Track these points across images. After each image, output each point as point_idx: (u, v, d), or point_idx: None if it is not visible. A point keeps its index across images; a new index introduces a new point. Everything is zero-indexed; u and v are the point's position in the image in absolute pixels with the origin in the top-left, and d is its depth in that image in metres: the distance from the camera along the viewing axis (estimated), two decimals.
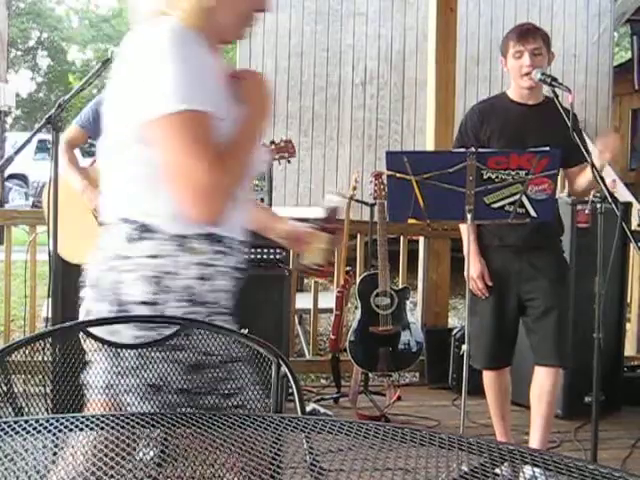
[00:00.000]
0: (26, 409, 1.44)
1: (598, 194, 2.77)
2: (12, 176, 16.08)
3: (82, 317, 1.65)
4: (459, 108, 4.99)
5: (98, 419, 1.06)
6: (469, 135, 3.11)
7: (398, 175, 2.77)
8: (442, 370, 4.55)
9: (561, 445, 3.63)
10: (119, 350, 1.56)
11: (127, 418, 1.05)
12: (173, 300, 1.54)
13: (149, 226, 1.53)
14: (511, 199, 2.79)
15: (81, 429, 1.01)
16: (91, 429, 1.02)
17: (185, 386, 1.54)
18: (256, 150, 1.61)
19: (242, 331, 1.64)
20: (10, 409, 1.40)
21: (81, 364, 1.60)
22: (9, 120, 20.93)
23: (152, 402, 1.54)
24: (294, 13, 8.91)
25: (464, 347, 2.90)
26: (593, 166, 2.66)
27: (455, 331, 4.55)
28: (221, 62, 1.67)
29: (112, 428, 1.03)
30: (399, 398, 4.17)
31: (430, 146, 4.86)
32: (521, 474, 0.98)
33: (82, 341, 1.64)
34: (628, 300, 4.70)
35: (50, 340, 1.60)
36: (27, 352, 1.47)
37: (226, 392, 1.56)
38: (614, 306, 4.13)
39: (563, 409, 3.92)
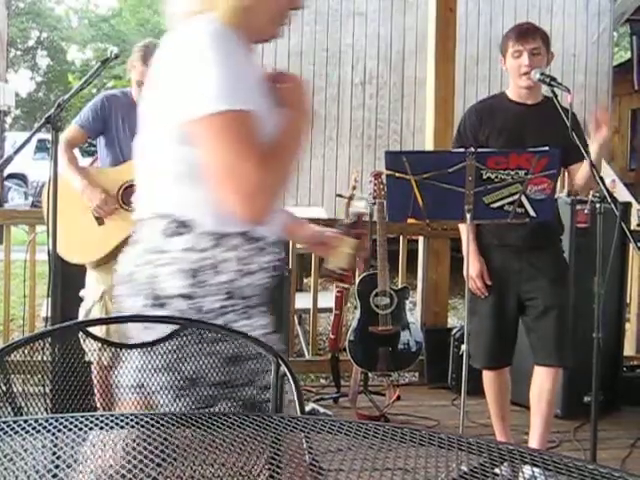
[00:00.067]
0: (25, 409, 1.44)
1: (597, 194, 2.77)
2: (11, 176, 16.08)
3: (114, 313, 1.65)
4: (458, 108, 4.98)
5: (98, 419, 1.06)
6: (468, 135, 3.11)
7: (397, 175, 2.77)
8: (442, 370, 4.56)
9: (560, 445, 3.63)
10: (153, 346, 1.57)
11: (127, 418, 1.05)
12: (210, 294, 1.54)
13: (186, 221, 1.54)
14: (510, 199, 2.79)
15: (80, 429, 1.01)
16: (90, 429, 1.02)
17: (222, 378, 1.54)
18: (300, 153, 1.62)
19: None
20: (9, 409, 1.40)
21: (80, 364, 1.60)
22: (8, 120, 20.95)
23: (186, 397, 1.55)
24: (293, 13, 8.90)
25: (463, 347, 2.90)
26: (593, 166, 2.66)
27: (455, 331, 4.55)
28: (257, 62, 1.68)
29: (111, 428, 1.03)
30: (398, 398, 4.16)
31: (429, 146, 4.86)
32: (520, 474, 0.98)
33: (81, 341, 1.64)
34: (627, 300, 4.70)
35: (49, 340, 1.60)
36: (26, 352, 1.47)
37: (264, 384, 1.56)
38: (613, 306, 4.13)
39: (562, 409, 3.92)
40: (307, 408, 3.65)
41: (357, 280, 4.16)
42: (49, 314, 2.69)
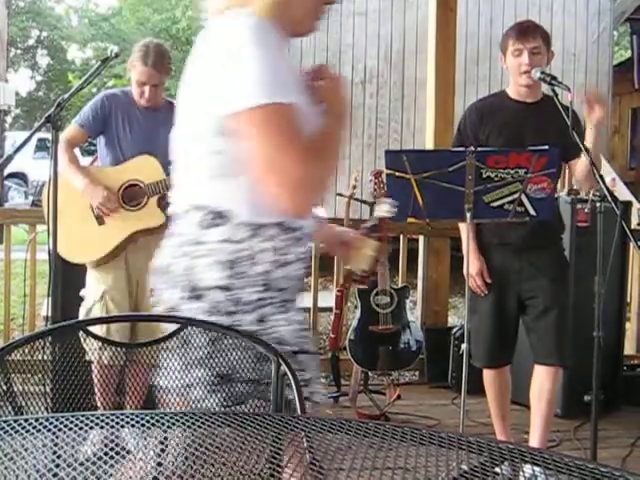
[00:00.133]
0: (26, 408, 1.44)
1: (598, 193, 2.77)
2: (12, 175, 16.07)
3: (155, 308, 1.66)
4: (459, 107, 4.97)
5: (98, 418, 1.06)
6: (468, 133, 3.11)
7: (397, 174, 2.77)
8: (442, 369, 4.56)
9: (561, 444, 3.63)
10: (190, 339, 1.57)
11: (127, 417, 1.05)
12: (247, 285, 1.54)
13: (223, 212, 1.55)
14: (510, 198, 2.79)
15: (81, 428, 1.01)
16: (91, 428, 1.02)
17: (254, 376, 1.55)
18: (341, 148, 1.63)
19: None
20: (10, 408, 1.40)
21: (81, 363, 1.60)
22: (9, 119, 20.94)
23: (219, 393, 1.55)
24: None
25: (464, 346, 2.90)
26: (593, 164, 2.65)
27: (455, 330, 4.55)
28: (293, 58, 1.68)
29: (112, 427, 1.03)
30: (399, 397, 4.17)
31: (430, 145, 4.86)
32: (521, 473, 0.98)
33: (82, 340, 1.64)
34: (628, 299, 4.70)
35: (50, 339, 1.60)
36: (27, 351, 1.47)
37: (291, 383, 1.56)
38: (614, 305, 4.13)
39: (563, 408, 3.92)
40: None
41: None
42: (49, 313, 2.69)
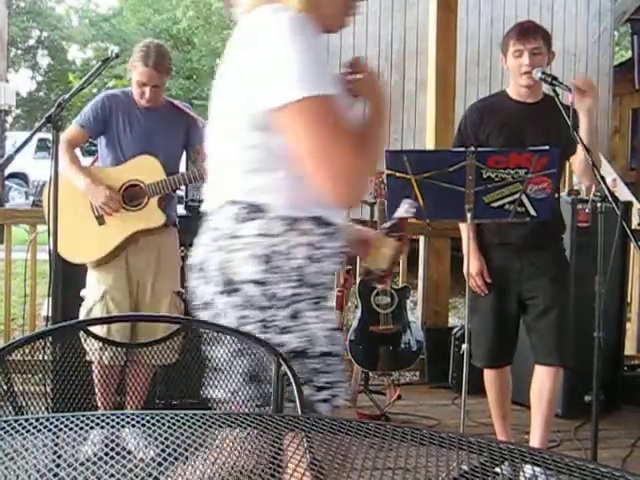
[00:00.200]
0: (26, 408, 1.44)
1: (598, 193, 2.77)
2: (12, 175, 16.07)
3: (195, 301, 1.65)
4: (459, 108, 4.98)
5: (98, 418, 1.06)
6: (469, 133, 3.11)
7: (398, 174, 2.77)
8: (442, 369, 4.56)
9: (561, 444, 3.63)
10: (220, 335, 1.57)
11: (127, 417, 1.05)
12: (282, 280, 1.54)
13: (259, 206, 1.55)
14: (510, 198, 2.79)
15: (81, 428, 1.01)
16: (91, 428, 1.02)
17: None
18: (383, 141, 1.63)
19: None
20: (10, 408, 1.40)
21: (81, 363, 1.60)
22: (9, 119, 20.94)
23: (245, 392, 1.56)
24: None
25: (464, 346, 2.90)
26: (594, 165, 2.65)
27: (455, 330, 4.55)
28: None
29: (112, 427, 1.03)
30: (399, 397, 4.17)
31: (430, 146, 4.86)
32: (521, 473, 0.98)
33: (82, 340, 1.64)
34: (628, 299, 4.70)
35: (50, 339, 1.60)
36: (27, 351, 1.47)
37: (319, 385, 1.56)
38: (614, 305, 4.13)
39: (563, 408, 3.93)
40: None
41: (358, 279, 4.16)
42: (50, 313, 2.69)
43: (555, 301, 3.06)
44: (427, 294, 4.86)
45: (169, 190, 3.22)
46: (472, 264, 3.09)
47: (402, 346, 4.03)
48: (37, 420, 1.02)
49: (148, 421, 1.04)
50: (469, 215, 2.80)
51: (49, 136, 2.76)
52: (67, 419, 1.03)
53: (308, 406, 1.54)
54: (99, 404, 3.06)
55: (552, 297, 3.06)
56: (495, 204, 2.80)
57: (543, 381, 3.08)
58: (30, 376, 1.53)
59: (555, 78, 2.79)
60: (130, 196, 3.22)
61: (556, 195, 3.02)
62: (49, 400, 1.55)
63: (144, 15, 26.97)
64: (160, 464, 0.94)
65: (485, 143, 3.03)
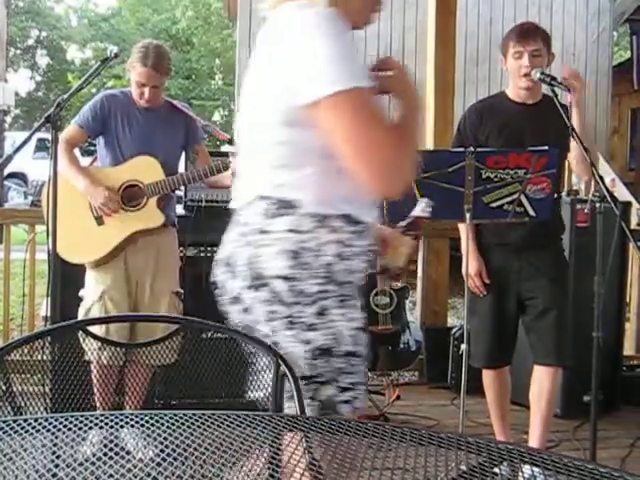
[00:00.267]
0: (25, 408, 1.44)
1: (597, 193, 2.77)
2: (11, 175, 16.07)
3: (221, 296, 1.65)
4: (458, 108, 4.98)
5: (97, 418, 1.06)
6: (468, 134, 3.11)
7: None
8: (441, 369, 4.56)
9: (560, 444, 3.63)
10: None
11: (126, 417, 1.05)
12: (310, 277, 1.53)
13: (290, 202, 1.55)
14: (510, 198, 2.80)
15: (80, 428, 1.01)
16: (90, 428, 1.02)
17: (308, 372, 1.54)
18: (418, 137, 1.64)
19: (241, 330, 1.64)
20: (9, 408, 1.40)
21: (80, 363, 1.60)
22: (8, 119, 20.93)
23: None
24: None
25: (463, 346, 2.90)
26: (592, 165, 2.66)
27: (454, 330, 4.55)
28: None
29: (111, 427, 1.03)
30: (398, 397, 4.16)
31: (429, 146, 4.86)
32: (520, 473, 0.98)
33: (81, 340, 1.64)
34: (627, 299, 4.70)
35: (49, 339, 1.60)
36: (26, 351, 1.47)
37: (344, 385, 1.56)
38: (613, 305, 4.13)
39: (562, 408, 3.92)
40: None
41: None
42: (49, 313, 2.69)
43: (554, 301, 3.06)
44: (426, 294, 4.86)
45: (168, 190, 3.22)
46: (471, 265, 3.09)
47: (401, 346, 4.03)
48: (36, 420, 1.02)
49: (147, 421, 1.04)
50: (468, 215, 2.80)
51: (48, 136, 2.76)
52: (66, 419, 1.03)
53: (330, 407, 1.54)
54: (98, 404, 3.06)
55: (551, 297, 3.06)
56: (494, 204, 2.80)
57: (542, 381, 3.08)
58: (29, 376, 1.53)
59: (554, 78, 2.79)
60: (129, 196, 3.22)
61: (555, 195, 3.01)
62: (48, 400, 1.55)
63: (143, 15, 27.00)
64: (159, 464, 0.94)
65: (484, 144, 3.03)
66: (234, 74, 10.51)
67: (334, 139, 1.49)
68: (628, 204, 4.22)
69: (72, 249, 3.15)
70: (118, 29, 26.94)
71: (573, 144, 2.82)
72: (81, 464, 0.92)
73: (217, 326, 1.60)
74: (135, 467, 0.92)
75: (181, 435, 1.01)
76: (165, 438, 0.99)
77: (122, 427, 1.03)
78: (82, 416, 1.04)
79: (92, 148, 3.83)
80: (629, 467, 3.34)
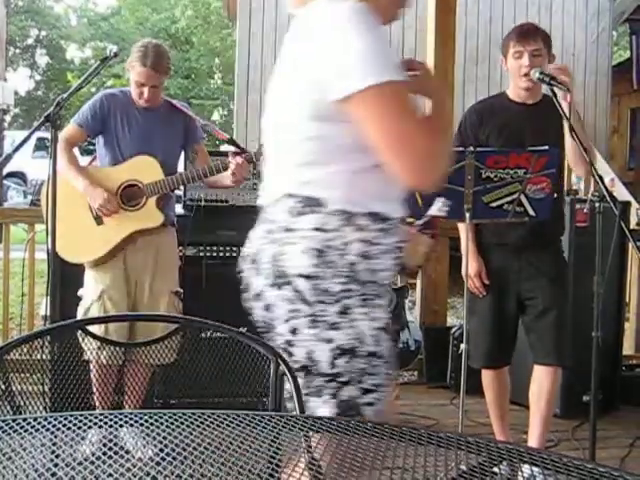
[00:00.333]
0: (24, 407, 1.44)
1: (597, 193, 2.77)
2: (10, 174, 16.05)
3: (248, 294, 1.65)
4: (458, 107, 4.99)
5: (96, 417, 1.06)
6: (468, 134, 3.11)
7: None
8: (441, 369, 4.56)
9: (559, 444, 3.63)
10: (273, 323, 1.57)
11: (126, 417, 1.05)
12: (333, 275, 1.53)
13: (316, 200, 1.54)
14: (509, 198, 2.79)
15: (79, 427, 1.01)
16: (89, 427, 1.02)
17: (329, 370, 1.53)
18: (450, 135, 1.64)
19: (241, 329, 1.64)
20: (8, 407, 1.40)
21: (79, 363, 1.60)
22: (7, 118, 20.92)
23: (301, 383, 1.54)
24: None
25: (463, 346, 2.90)
26: (592, 165, 2.65)
27: (454, 330, 4.55)
28: None
29: (110, 427, 1.03)
30: (397, 397, 4.16)
31: None
32: (520, 473, 0.98)
33: (80, 340, 1.64)
34: (627, 299, 4.70)
35: (48, 338, 1.60)
36: (25, 350, 1.47)
37: (367, 387, 1.55)
38: (613, 305, 4.13)
39: (561, 408, 3.92)
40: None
41: None
42: (48, 313, 2.69)
43: (554, 301, 3.06)
44: (426, 294, 4.86)
45: (167, 190, 3.22)
46: (471, 265, 3.09)
47: (400, 346, 4.03)
48: (35, 419, 1.02)
49: (146, 420, 1.04)
50: (468, 215, 2.80)
51: (48, 135, 2.76)
52: (65, 418, 1.03)
53: (353, 408, 1.53)
54: (97, 403, 3.06)
55: (551, 297, 3.06)
56: (494, 204, 2.80)
57: (542, 381, 3.08)
58: (28, 375, 1.53)
59: (553, 78, 2.79)
60: (128, 196, 3.22)
61: (555, 195, 3.01)
62: (47, 399, 1.55)
63: (142, 14, 26.99)
64: (158, 463, 0.94)
65: (485, 144, 3.02)
66: (233, 73, 10.51)
67: (368, 133, 1.49)
68: (627, 204, 4.22)
69: (71, 248, 3.14)
70: (118, 28, 26.93)
71: (568, 140, 2.82)
72: (80, 463, 0.92)
73: (216, 325, 1.60)
74: (134, 466, 0.92)
75: (180, 434, 1.01)
76: (164, 437, 0.99)
77: (121, 426, 1.03)
78: (81, 415, 1.04)
79: (91, 147, 3.83)
80: (628, 467, 3.34)
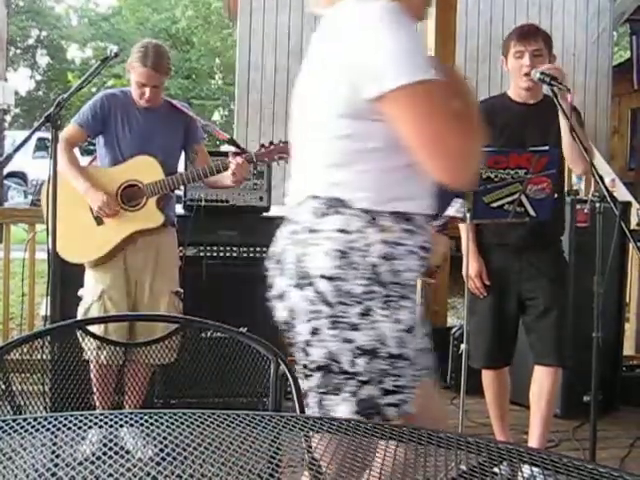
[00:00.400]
0: (24, 407, 1.44)
1: (597, 193, 2.77)
2: (11, 174, 16.05)
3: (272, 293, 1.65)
4: None
5: (97, 417, 1.06)
6: None
7: None
8: (441, 369, 4.54)
9: (560, 444, 3.63)
10: (293, 322, 1.57)
11: (126, 417, 1.05)
12: (356, 277, 1.52)
13: (340, 201, 1.54)
14: (510, 198, 2.79)
15: (80, 427, 1.01)
16: (90, 427, 1.02)
17: (349, 369, 1.53)
18: (479, 130, 1.64)
19: (241, 329, 1.64)
20: (9, 407, 1.40)
21: (80, 362, 1.60)
22: (8, 118, 20.92)
23: (315, 380, 1.55)
24: (293, 12, 8.91)
25: (463, 346, 2.90)
26: (592, 165, 2.65)
27: (454, 330, 4.55)
28: None
29: (111, 427, 1.03)
30: None
31: None
32: (520, 473, 0.98)
33: (80, 339, 1.64)
34: (627, 299, 4.70)
35: (49, 338, 1.60)
36: (25, 350, 1.47)
37: (388, 388, 1.54)
38: (613, 305, 4.13)
39: (562, 408, 3.92)
40: None
41: None
42: (48, 313, 2.69)
43: (554, 302, 3.06)
44: (426, 294, 4.86)
45: (167, 190, 3.22)
46: (471, 266, 3.09)
47: None
48: (35, 419, 1.02)
49: (146, 420, 1.04)
50: (468, 215, 2.80)
51: (48, 135, 2.76)
52: (65, 418, 1.03)
53: (373, 407, 1.53)
54: (97, 403, 3.06)
55: (551, 298, 3.06)
56: (495, 204, 2.80)
57: (542, 381, 3.08)
58: (28, 375, 1.53)
59: (554, 78, 2.79)
60: (128, 196, 3.22)
61: (556, 195, 3.01)
62: (47, 399, 1.55)
63: (143, 14, 26.99)
64: (158, 463, 0.94)
65: (485, 144, 3.02)
66: (234, 73, 10.52)
67: (401, 132, 1.49)
68: (628, 204, 4.22)
69: (71, 248, 3.14)
70: (118, 28, 26.93)
71: (565, 138, 2.82)
72: (80, 463, 0.92)
73: (217, 325, 1.60)
74: (135, 466, 0.92)
75: (181, 434, 1.01)
76: (165, 437, 0.99)
77: (122, 426, 1.03)
78: (82, 415, 1.04)
79: (91, 147, 3.83)
80: (628, 467, 3.34)
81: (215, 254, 3.89)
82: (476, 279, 3.10)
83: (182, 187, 3.64)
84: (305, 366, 1.56)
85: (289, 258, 1.59)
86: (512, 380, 3.24)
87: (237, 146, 3.29)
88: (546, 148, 2.78)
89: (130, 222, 3.20)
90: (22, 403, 1.43)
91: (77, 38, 28.54)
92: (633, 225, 4.85)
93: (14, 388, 1.42)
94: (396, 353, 1.54)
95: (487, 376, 3.20)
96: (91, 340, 1.67)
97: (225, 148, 5.25)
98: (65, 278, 2.94)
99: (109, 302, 3.20)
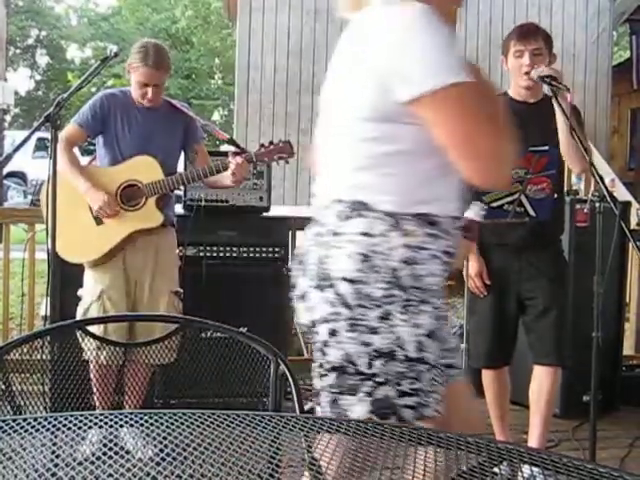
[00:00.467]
0: (24, 407, 1.44)
1: (597, 193, 2.77)
2: (11, 174, 16.05)
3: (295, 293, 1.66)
4: None
5: (96, 417, 1.06)
6: None
7: None
8: None
9: (560, 444, 3.63)
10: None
11: (126, 417, 1.05)
12: (376, 280, 1.52)
13: (364, 204, 1.54)
14: (510, 198, 2.79)
15: (79, 427, 1.01)
16: (89, 427, 1.02)
17: (366, 370, 1.53)
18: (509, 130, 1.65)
19: (241, 329, 1.64)
20: (8, 407, 1.40)
21: (79, 363, 1.60)
22: (8, 118, 20.92)
23: (331, 380, 1.55)
24: (293, 12, 8.91)
25: (463, 346, 2.90)
26: (592, 165, 2.65)
27: (454, 330, 4.55)
28: None
29: (110, 427, 1.03)
30: None
31: None
32: (520, 473, 0.98)
33: (80, 339, 1.64)
34: (627, 299, 4.70)
35: (48, 338, 1.60)
36: (25, 350, 1.47)
37: (405, 390, 1.54)
38: (613, 305, 4.13)
39: (561, 408, 3.92)
40: None
41: None
42: (48, 313, 2.69)
43: (554, 301, 3.06)
44: None
45: (167, 190, 3.21)
46: (471, 266, 3.09)
47: None
48: (35, 420, 1.02)
49: (146, 421, 1.04)
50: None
51: (48, 135, 2.76)
52: (65, 418, 1.03)
53: (389, 407, 1.53)
54: (97, 403, 3.06)
55: (551, 297, 3.06)
56: (494, 204, 2.80)
57: (542, 381, 3.08)
58: (28, 375, 1.53)
59: (554, 78, 2.79)
60: (128, 196, 3.21)
61: (556, 196, 3.01)
62: (47, 399, 1.55)
63: (143, 14, 26.99)
64: (158, 464, 0.94)
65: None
66: (234, 73, 10.52)
67: (436, 135, 1.49)
68: (628, 204, 4.22)
69: (71, 248, 3.14)
70: (118, 28, 26.92)
71: (562, 137, 2.82)
72: (80, 463, 0.92)
73: (216, 325, 1.60)
74: (134, 466, 0.92)
75: (180, 434, 1.01)
76: (164, 437, 0.99)
77: (121, 426, 1.03)
78: (81, 415, 1.04)
79: (91, 147, 3.83)
80: (628, 467, 3.34)
81: (215, 254, 3.89)
82: (476, 278, 3.10)
83: (182, 187, 3.64)
84: (321, 365, 1.56)
85: (312, 259, 1.60)
86: (512, 380, 3.24)
87: (237, 146, 3.29)
88: (546, 148, 2.78)
89: (129, 222, 3.20)
90: (22, 403, 1.43)
91: (77, 38, 28.54)
92: (633, 225, 4.85)
93: (14, 388, 1.42)
94: (414, 357, 1.53)
95: (487, 376, 3.20)
96: (91, 340, 1.67)
97: (225, 148, 5.24)
98: (65, 278, 2.94)
99: (108, 302, 3.20)
